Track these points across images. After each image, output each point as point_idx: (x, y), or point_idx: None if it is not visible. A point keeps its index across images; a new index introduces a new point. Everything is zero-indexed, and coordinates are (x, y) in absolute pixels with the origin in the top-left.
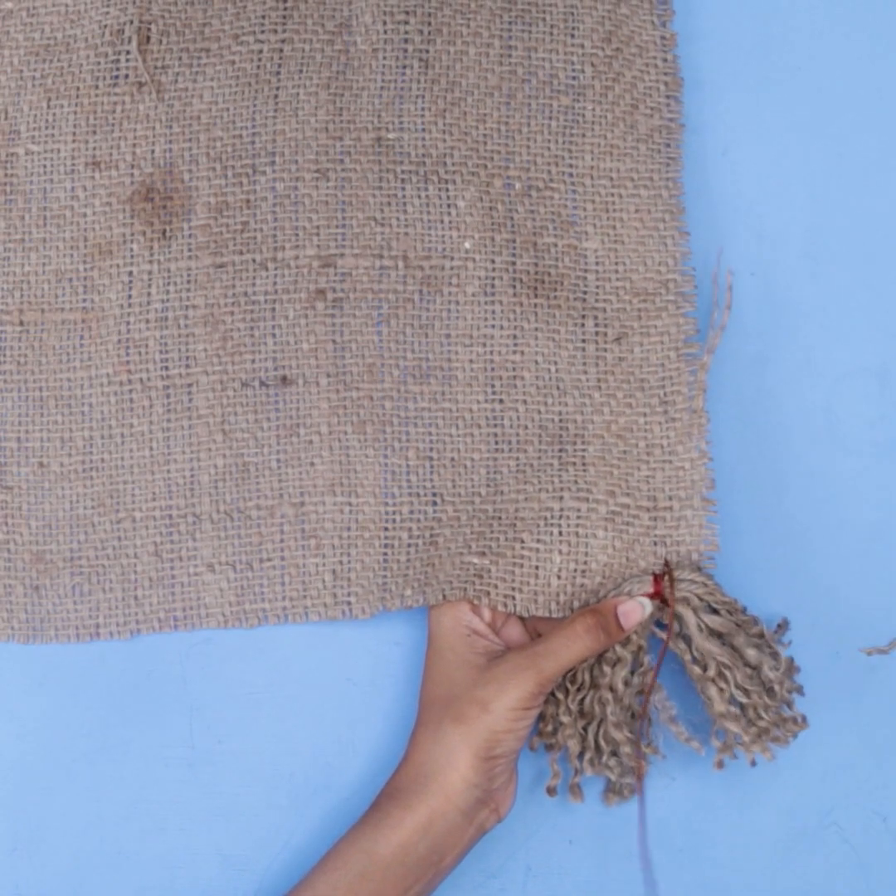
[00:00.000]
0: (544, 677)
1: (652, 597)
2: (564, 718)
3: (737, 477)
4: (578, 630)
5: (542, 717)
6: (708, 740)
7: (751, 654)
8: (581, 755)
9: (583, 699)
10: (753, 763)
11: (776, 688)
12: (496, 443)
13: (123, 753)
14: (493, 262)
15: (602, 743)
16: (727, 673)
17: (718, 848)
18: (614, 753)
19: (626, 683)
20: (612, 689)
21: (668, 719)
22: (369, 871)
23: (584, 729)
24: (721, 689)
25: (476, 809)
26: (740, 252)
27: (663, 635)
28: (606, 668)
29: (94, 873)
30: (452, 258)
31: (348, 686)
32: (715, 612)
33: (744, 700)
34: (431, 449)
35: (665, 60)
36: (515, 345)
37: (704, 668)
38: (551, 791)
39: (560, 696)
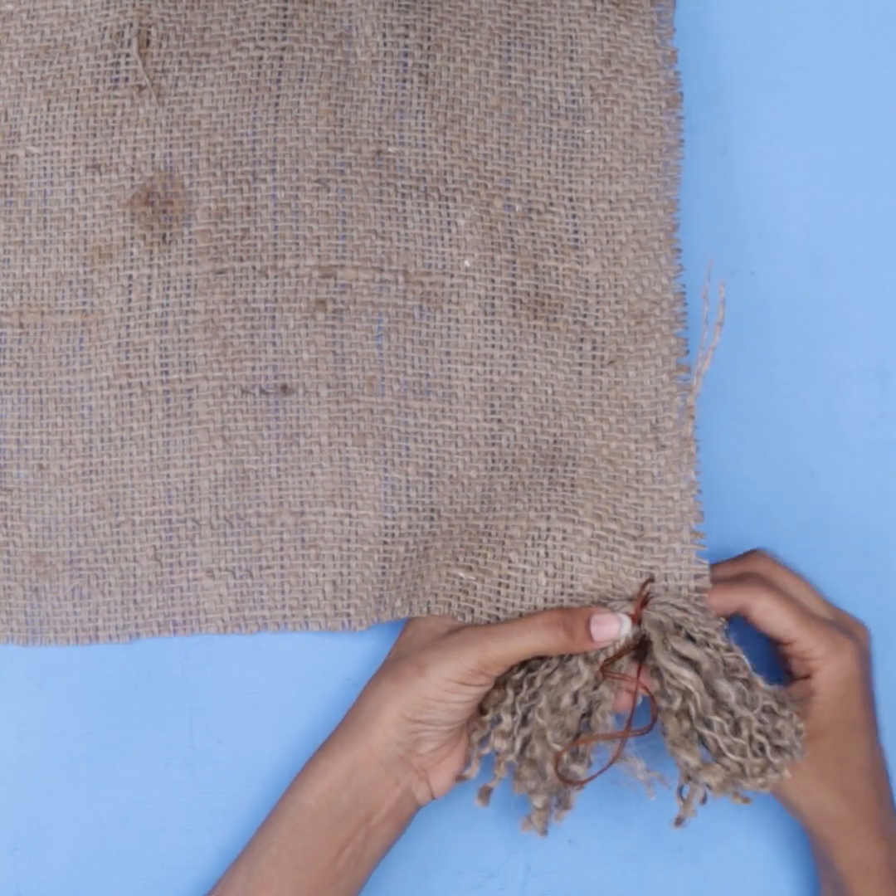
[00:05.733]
0: (487, 657)
1: (633, 620)
2: (504, 715)
3: (735, 476)
4: (537, 622)
5: (484, 710)
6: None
7: (721, 684)
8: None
9: (529, 707)
10: (704, 800)
11: (743, 726)
12: (493, 461)
13: (123, 753)
14: (492, 281)
15: (527, 753)
16: (689, 702)
17: (718, 848)
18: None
19: (575, 700)
20: (556, 698)
21: (641, 772)
22: (299, 823)
23: (519, 734)
24: (679, 719)
25: (399, 768)
26: (740, 251)
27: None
28: (557, 675)
29: (94, 873)
30: (452, 275)
31: (348, 686)
32: (692, 640)
33: (703, 731)
34: (431, 465)
35: (667, 79)
36: (514, 365)
37: (670, 702)
38: (459, 777)
39: (511, 691)
